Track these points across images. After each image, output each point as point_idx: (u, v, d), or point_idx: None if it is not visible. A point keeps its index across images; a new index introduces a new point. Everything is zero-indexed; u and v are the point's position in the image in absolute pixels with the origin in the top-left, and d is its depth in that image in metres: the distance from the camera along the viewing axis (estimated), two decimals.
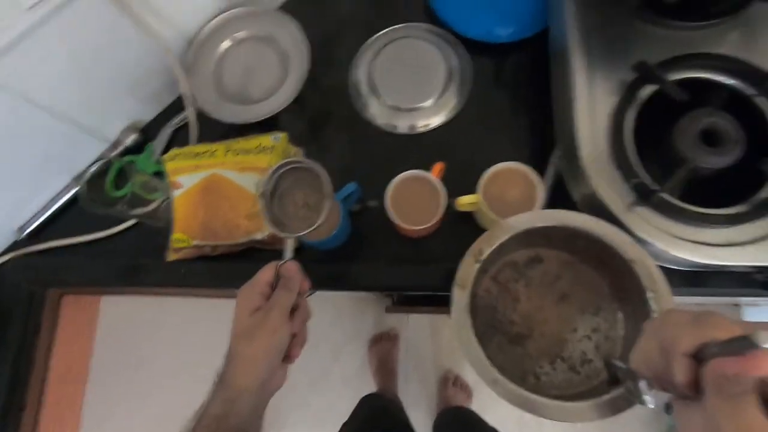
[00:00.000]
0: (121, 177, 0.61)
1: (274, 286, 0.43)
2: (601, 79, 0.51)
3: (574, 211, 0.48)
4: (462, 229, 0.58)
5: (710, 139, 0.46)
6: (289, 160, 0.47)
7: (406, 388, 1.36)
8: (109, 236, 0.63)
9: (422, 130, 0.64)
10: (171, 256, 0.58)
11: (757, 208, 0.46)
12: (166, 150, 0.64)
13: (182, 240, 0.57)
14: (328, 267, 0.59)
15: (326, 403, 1.37)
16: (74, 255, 0.63)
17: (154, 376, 1.45)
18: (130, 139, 0.65)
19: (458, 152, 0.61)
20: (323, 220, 0.46)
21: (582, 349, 0.50)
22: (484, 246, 0.48)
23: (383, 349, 1.36)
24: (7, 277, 0.62)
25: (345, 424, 0.79)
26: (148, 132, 0.67)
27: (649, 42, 0.51)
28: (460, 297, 0.47)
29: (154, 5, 0.55)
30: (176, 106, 0.66)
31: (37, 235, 0.64)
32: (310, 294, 0.76)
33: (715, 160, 0.45)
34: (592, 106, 0.50)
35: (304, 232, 0.46)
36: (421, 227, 0.53)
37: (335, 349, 1.41)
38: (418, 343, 1.39)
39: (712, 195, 0.47)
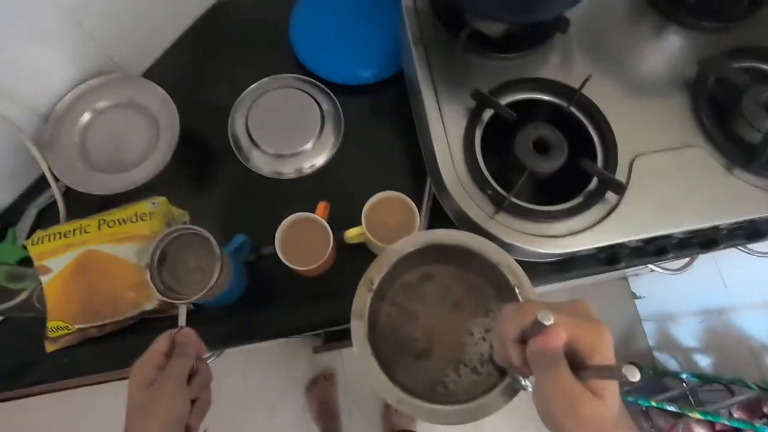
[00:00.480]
0: None
1: (169, 355, 0.41)
2: (449, 108, 0.58)
3: (447, 228, 0.53)
4: (357, 259, 0.61)
5: (541, 147, 0.55)
6: (173, 228, 0.47)
7: (351, 425, 1.34)
8: None
9: (309, 171, 0.67)
10: (49, 347, 0.54)
11: (587, 199, 0.54)
12: (31, 232, 0.59)
13: (60, 327, 0.53)
14: (231, 322, 0.58)
15: None
16: None
17: None
18: None
19: (345, 188, 0.65)
20: (216, 280, 0.46)
21: (479, 350, 0.54)
22: (374, 274, 0.51)
23: (321, 392, 1.33)
24: None
25: None
26: (8, 216, 0.61)
27: (482, 73, 0.60)
28: (357, 327, 0.49)
29: None
30: (40, 184, 0.62)
31: None
32: (218, 355, 0.74)
33: (547, 165, 0.54)
34: (446, 132, 0.57)
35: (199, 296, 0.46)
36: (314, 266, 0.55)
37: (271, 404, 1.35)
38: (355, 377, 1.39)
39: (555, 194, 0.56)
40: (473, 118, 0.57)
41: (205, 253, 0.48)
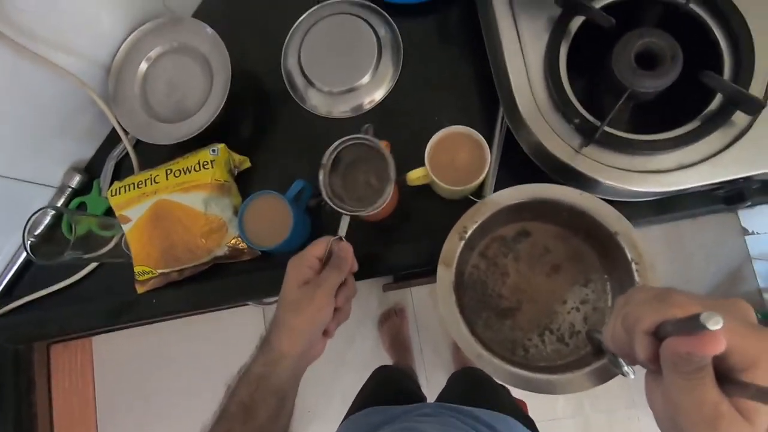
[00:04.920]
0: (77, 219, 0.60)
1: (323, 261, 0.44)
2: (527, 18, 0.48)
3: (555, 184, 0.46)
4: (421, 203, 0.57)
5: (647, 61, 0.44)
6: (351, 136, 0.48)
7: (422, 357, 1.39)
8: (78, 281, 0.62)
9: (369, 107, 0.62)
10: (139, 289, 0.58)
11: (705, 123, 0.44)
12: (113, 182, 0.63)
13: (146, 272, 0.57)
14: None
15: (350, 384, 1.40)
16: (50, 306, 0.63)
17: (162, 406, 1.46)
18: (76, 181, 0.63)
19: (407, 125, 0.59)
20: (385, 202, 0.46)
21: (570, 320, 0.49)
22: (468, 223, 0.48)
23: (392, 325, 1.38)
24: None
25: (356, 397, 0.82)
26: (92, 169, 0.65)
27: None
28: (444, 274, 0.47)
29: (58, 42, 0.53)
30: (113, 137, 0.64)
31: (8, 293, 0.63)
32: None
33: (653, 83, 0.43)
34: (522, 48, 0.48)
35: (363, 212, 0.47)
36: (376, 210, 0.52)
37: (348, 334, 1.43)
38: (425, 312, 1.41)
39: (660, 119, 0.45)
40: (558, 29, 0.47)
41: (376, 168, 0.49)
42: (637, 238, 0.43)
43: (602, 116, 0.45)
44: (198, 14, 0.67)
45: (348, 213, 0.46)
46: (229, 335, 1.39)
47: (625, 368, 0.36)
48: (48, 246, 0.55)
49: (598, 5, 0.47)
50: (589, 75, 0.47)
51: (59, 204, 0.63)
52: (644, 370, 0.28)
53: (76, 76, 0.55)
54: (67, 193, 0.63)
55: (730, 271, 1.32)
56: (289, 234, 0.51)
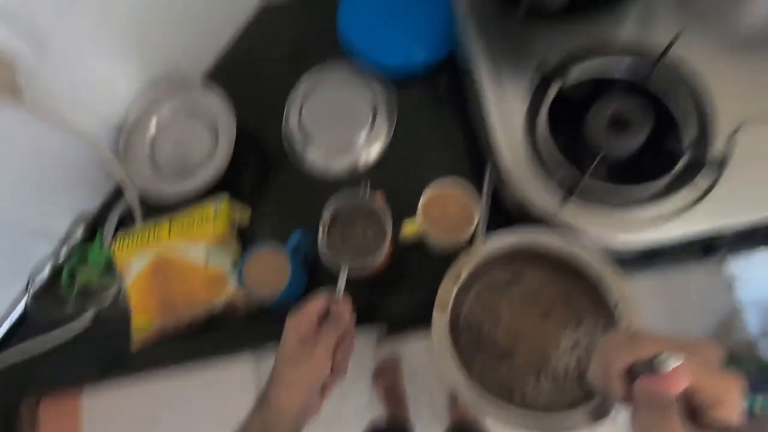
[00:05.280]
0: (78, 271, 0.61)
1: (322, 316, 0.45)
2: (509, 85, 0.53)
3: (544, 229, 0.49)
4: (415, 254, 0.59)
5: (618, 124, 0.48)
6: (347, 192, 0.51)
7: (418, 410, 1.34)
8: (75, 336, 0.62)
9: (364, 164, 0.66)
10: (136, 342, 0.58)
11: (676, 179, 0.47)
12: (115, 234, 0.65)
13: (144, 325, 0.57)
14: None
15: None
16: (43, 360, 0.62)
17: None
18: (80, 232, 0.65)
19: (399, 181, 0.63)
20: (382, 254, 0.49)
21: (565, 362, 0.50)
22: (462, 269, 0.49)
23: (387, 379, 1.35)
24: None
25: None
26: (96, 220, 0.67)
27: (546, 43, 0.54)
28: (439, 319, 0.48)
29: (72, 101, 0.56)
30: (119, 190, 0.67)
31: (4, 344, 0.63)
32: None
33: (625, 144, 0.47)
34: (505, 113, 0.52)
35: (360, 264, 0.49)
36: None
37: (342, 390, 1.39)
38: (420, 364, 1.38)
39: (633, 178, 0.49)
40: (537, 95, 0.52)
41: (373, 223, 0.53)
42: (621, 281, 0.45)
43: (582, 171, 0.49)
44: (206, 77, 0.72)
45: (347, 268, 0.48)
46: (224, 390, 1.34)
47: (613, 407, 0.37)
48: (48, 300, 0.56)
49: (572, 74, 0.52)
50: (566, 136, 0.52)
51: (62, 254, 0.64)
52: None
53: (87, 134, 0.58)
54: (70, 244, 0.65)
55: (719, 319, 1.33)
56: (286, 284, 0.53)
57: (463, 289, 0.49)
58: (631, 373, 0.27)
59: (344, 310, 0.45)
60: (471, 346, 0.51)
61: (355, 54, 0.69)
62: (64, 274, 0.62)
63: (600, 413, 0.42)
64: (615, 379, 0.28)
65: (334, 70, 0.70)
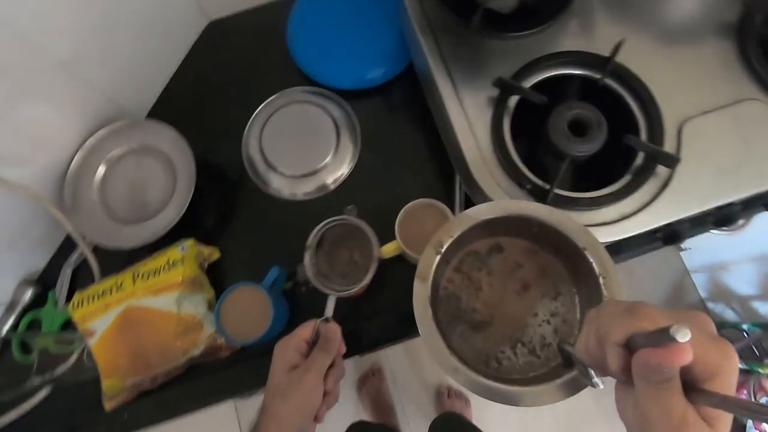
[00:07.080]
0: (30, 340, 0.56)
1: (311, 343, 0.44)
2: (470, 99, 0.54)
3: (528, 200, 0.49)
4: (397, 272, 0.59)
5: (578, 128, 0.50)
6: (334, 218, 0.50)
7: (406, 416, 1.35)
8: (31, 408, 0.56)
9: (333, 186, 0.65)
10: (108, 405, 0.54)
11: (636, 177, 0.50)
12: (70, 291, 0.59)
13: (115, 385, 0.53)
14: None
15: None
16: None
17: None
18: (28, 295, 0.59)
19: (371, 198, 0.62)
20: (369, 280, 0.49)
21: (542, 333, 0.49)
22: (444, 237, 0.48)
23: (372, 387, 1.34)
24: None
25: None
26: (46, 279, 0.61)
27: (501, 56, 0.55)
28: (420, 289, 0.47)
29: (6, 156, 0.51)
30: (70, 242, 0.61)
31: None
32: None
33: (586, 147, 0.49)
34: (470, 126, 0.53)
35: (347, 291, 0.48)
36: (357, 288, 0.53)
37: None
38: (403, 370, 1.39)
39: (597, 177, 0.52)
40: (498, 107, 0.53)
41: (359, 246, 0.52)
42: (604, 252, 0.45)
43: (548, 178, 0.51)
44: (153, 112, 0.68)
45: (335, 293, 0.47)
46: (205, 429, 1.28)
47: (595, 379, 0.36)
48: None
49: (528, 84, 0.53)
50: (531, 141, 0.53)
51: (9, 322, 0.58)
52: (614, 382, 0.29)
53: (28, 188, 0.53)
54: (18, 310, 0.59)
55: (671, 285, 1.44)
56: (269, 324, 0.51)
57: (444, 259, 0.48)
58: (629, 345, 0.26)
59: (334, 333, 0.44)
60: (450, 317, 0.50)
61: (312, 78, 0.67)
62: (14, 346, 0.56)
63: (577, 385, 0.41)
64: (612, 350, 0.27)
65: (290, 93, 0.68)
